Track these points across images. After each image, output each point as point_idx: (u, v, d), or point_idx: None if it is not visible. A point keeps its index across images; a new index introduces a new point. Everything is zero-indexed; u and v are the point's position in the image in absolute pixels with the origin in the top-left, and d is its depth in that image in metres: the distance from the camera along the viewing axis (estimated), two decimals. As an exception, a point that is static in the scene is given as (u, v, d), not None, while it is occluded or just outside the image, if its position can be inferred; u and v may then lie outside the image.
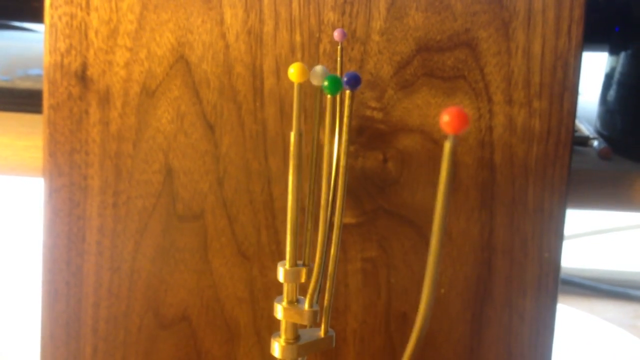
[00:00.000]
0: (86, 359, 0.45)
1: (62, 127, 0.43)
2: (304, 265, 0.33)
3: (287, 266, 0.32)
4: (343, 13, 0.41)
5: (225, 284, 0.44)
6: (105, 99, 0.42)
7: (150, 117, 0.42)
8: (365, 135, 0.42)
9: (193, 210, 0.43)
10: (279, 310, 0.32)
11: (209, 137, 0.42)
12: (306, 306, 0.32)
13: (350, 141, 0.42)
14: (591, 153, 0.50)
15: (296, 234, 0.31)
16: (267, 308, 0.44)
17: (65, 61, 0.42)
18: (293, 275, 0.32)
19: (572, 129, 0.42)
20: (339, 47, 0.34)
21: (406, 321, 0.44)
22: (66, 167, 0.43)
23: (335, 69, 0.41)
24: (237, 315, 0.44)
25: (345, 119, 0.29)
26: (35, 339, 0.45)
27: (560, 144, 0.42)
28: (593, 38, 0.45)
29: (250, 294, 0.44)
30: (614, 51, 0.52)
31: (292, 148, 0.31)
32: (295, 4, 0.41)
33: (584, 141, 0.51)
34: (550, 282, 0.43)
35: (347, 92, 0.29)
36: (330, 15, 0.41)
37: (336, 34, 0.32)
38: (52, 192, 0.43)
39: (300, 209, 0.43)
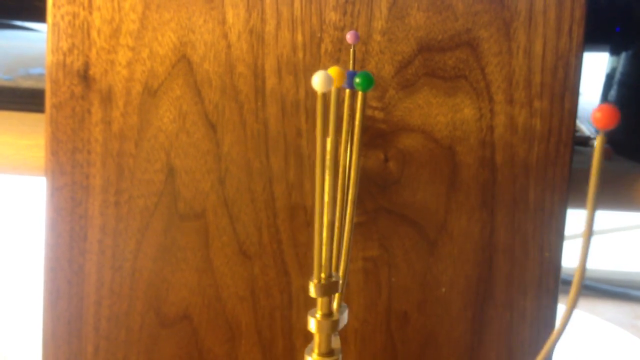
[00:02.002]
0: (88, 357, 0.45)
1: (64, 126, 0.43)
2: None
3: (321, 281, 0.30)
4: (345, 13, 0.41)
5: (227, 283, 0.44)
6: (107, 98, 0.42)
7: (152, 117, 0.42)
8: (367, 135, 0.42)
9: (194, 209, 0.43)
10: (313, 324, 0.31)
11: (210, 136, 0.42)
12: (335, 314, 0.31)
13: (352, 140, 0.42)
14: (592, 153, 0.50)
15: (330, 247, 0.30)
16: (268, 307, 0.44)
17: (68, 60, 0.42)
18: (329, 289, 0.30)
19: (573, 128, 0.42)
20: (351, 49, 0.34)
21: (407, 320, 0.44)
22: (68, 166, 0.43)
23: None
24: (238, 314, 0.44)
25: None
26: (37, 337, 0.45)
27: (561, 143, 0.42)
28: (594, 38, 0.45)
29: (251, 293, 0.44)
30: (614, 51, 0.52)
31: (328, 157, 0.28)
32: (297, 4, 0.41)
33: (585, 141, 0.51)
34: (551, 282, 0.43)
35: (355, 91, 0.29)
36: (332, 15, 0.41)
37: (349, 36, 0.32)
38: (54, 191, 0.43)
39: (304, 210, 0.43)
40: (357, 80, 0.27)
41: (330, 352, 0.31)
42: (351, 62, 0.34)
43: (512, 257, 0.43)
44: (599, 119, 0.19)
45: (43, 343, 0.45)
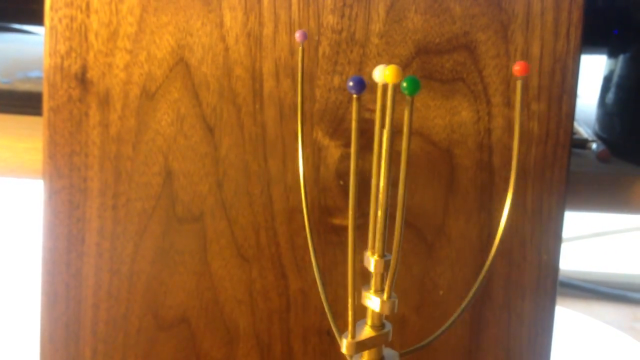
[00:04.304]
0: (85, 360, 0.45)
1: (62, 129, 0.43)
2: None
3: (376, 257, 0.31)
4: (342, 16, 0.41)
5: (225, 286, 0.44)
6: (105, 102, 0.42)
7: (150, 120, 0.42)
8: (365, 138, 0.42)
9: (192, 213, 0.43)
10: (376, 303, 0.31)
11: (208, 139, 0.42)
12: (385, 297, 0.31)
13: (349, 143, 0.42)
14: (590, 155, 0.50)
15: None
16: (266, 310, 0.44)
17: (65, 63, 0.42)
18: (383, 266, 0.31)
19: (571, 131, 0.42)
20: (300, 48, 0.34)
21: (405, 323, 0.44)
22: (66, 169, 0.43)
23: (335, 71, 0.41)
24: (236, 317, 0.44)
25: (354, 123, 0.29)
26: (35, 340, 0.45)
27: (558, 146, 0.42)
28: (592, 41, 0.45)
29: (249, 296, 0.44)
30: (612, 54, 0.52)
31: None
32: (294, 7, 0.41)
33: (583, 144, 0.51)
34: (548, 284, 0.43)
35: (354, 96, 0.29)
36: (329, 18, 0.41)
37: (297, 35, 0.32)
38: (52, 194, 0.43)
39: (300, 206, 0.43)
40: (404, 84, 0.27)
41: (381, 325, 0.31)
42: (299, 63, 0.34)
43: (510, 259, 0.43)
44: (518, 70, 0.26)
45: (40, 346, 0.45)
